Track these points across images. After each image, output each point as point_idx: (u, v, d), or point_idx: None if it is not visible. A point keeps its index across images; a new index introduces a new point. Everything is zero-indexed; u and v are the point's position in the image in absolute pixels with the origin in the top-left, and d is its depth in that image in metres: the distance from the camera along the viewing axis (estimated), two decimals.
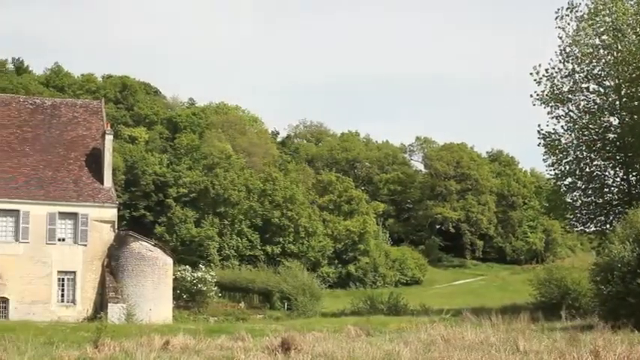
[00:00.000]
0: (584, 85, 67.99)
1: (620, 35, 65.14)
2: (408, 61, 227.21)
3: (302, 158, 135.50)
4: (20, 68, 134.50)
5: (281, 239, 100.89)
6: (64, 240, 64.71)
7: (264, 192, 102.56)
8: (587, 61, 67.26)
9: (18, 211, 63.81)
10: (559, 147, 68.79)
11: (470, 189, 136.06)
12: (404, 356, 29.09)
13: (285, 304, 79.74)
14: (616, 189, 68.97)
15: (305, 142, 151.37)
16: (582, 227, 71.99)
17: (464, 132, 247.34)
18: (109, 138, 67.29)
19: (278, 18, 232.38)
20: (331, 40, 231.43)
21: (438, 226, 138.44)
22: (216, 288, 78.01)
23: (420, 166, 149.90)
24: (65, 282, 64.19)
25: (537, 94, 68.46)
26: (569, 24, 67.32)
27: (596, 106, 68.16)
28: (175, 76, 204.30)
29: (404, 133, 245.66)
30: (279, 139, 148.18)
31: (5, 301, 62.22)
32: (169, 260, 65.91)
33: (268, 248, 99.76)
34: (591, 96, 68.21)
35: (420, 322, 43.60)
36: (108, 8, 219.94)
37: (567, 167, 68.77)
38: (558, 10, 67.42)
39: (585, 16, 66.71)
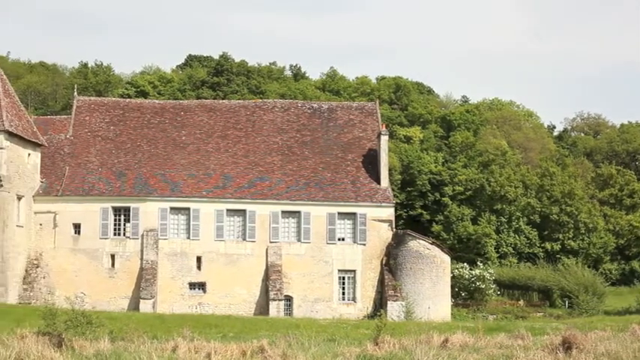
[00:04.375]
0: None
1: None
2: None
3: (580, 152, 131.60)
4: (297, 74, 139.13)
5: (560, 235, 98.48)
6: (343, 239, 66.45)
7: (541, 188, 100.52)
8: None
9: (299, 212, 66.24)
10: None
11: None
12: None
13: (566, 302, 77.91)
14: None
15: (582, 134, 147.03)
16: None
17: None
18: (384, 138, 68.39)
19: (551, 10, 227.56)
20: (607, 28, 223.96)
21: None
22: (494, 286, 77.36)
23: None
24: (345, 280, 65.88)
25: None
26: None
27: None
28: (448, 74, 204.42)
29: None
30: (555, 133, 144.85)
31: (289, 299, 64.67)
32: (447, 258, 66.10)
33: (547, 245, 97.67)
34: None
35: None
36: (382, 12, 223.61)
37: None
38: None
39: None
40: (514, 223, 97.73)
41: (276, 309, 62.34)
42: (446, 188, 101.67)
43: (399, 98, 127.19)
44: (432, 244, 66.33)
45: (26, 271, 64.26)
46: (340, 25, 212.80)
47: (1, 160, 60.93)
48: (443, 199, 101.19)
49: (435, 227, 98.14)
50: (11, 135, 61.84)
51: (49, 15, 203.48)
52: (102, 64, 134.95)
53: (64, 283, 64.97)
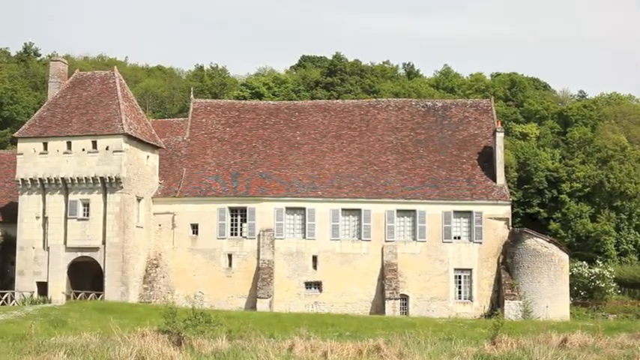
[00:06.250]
0: None
1: None
2: None
3: None
4: (411, 73, 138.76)
5: None
6: (459, 238, 65.98)
7: None
8: None
9: (414, 211, 66.04)
10: None
11: None
12: None
13: None
14: None
15: None
16: None
17: None
18: (499, 136, 67.62)
19: None
20: None
21: None
22: (614, 284, 75.81)
23: None
24: (461, 279, 65.41)
25: None
26: None
27: None
28: (565, 69, 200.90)
29: None
30: None
31: (405, 297, 64.55)
32: (565, 256, 65.00)
33: None
34: None
35: None
36: (495, 8, 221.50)
37: None
38: None
39: None
40: (635, 220, 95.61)
41: (392, 308, 62.29)
42: (563, 185, 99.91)
43: (515, 94, 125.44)
44: (550, 242, 65.31)
45: (146, 270, 65.72)
46: (453, 22, 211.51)
47: (121, 163, 62.45)
48: (560, 196, 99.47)
49: (553, 225, 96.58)
50: (130, 138, 63.33)
51: (165, 19, 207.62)
52: (217, 66, 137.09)
53: (183, 282, 66.19)
